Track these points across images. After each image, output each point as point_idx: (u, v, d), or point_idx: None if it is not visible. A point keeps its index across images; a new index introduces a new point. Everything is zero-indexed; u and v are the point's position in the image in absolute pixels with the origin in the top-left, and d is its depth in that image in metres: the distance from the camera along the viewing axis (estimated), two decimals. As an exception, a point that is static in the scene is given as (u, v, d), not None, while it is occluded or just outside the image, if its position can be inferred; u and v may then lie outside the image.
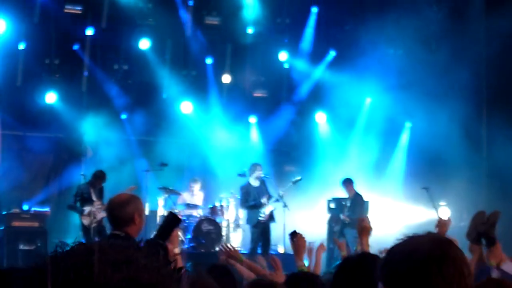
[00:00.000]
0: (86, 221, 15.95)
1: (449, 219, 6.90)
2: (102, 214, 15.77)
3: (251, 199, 16.95)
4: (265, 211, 16.90)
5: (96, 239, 15.66)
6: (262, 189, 17.09)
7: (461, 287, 2.73)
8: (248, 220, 17.13)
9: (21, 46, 18.43)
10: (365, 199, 17.96)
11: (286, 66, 20.90)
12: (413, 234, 2.87)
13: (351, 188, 17.71)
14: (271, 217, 17.07)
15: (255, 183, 17.06)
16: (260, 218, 16.87)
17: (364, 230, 6.62)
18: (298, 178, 17.48)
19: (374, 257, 3.95)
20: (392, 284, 2.79)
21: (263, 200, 16.87)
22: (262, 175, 17.12)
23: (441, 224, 6.91)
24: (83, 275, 1.20)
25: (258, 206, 16.89)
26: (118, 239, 5.79)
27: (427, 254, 2.75)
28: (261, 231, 16.89)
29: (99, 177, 16.28)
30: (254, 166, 17.18)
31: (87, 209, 15.93)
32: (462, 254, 2.81)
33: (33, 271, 1.26)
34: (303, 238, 6.62)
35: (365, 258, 3.96)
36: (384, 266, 2.83)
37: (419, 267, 2.74)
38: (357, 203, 17.67)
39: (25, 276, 1.26)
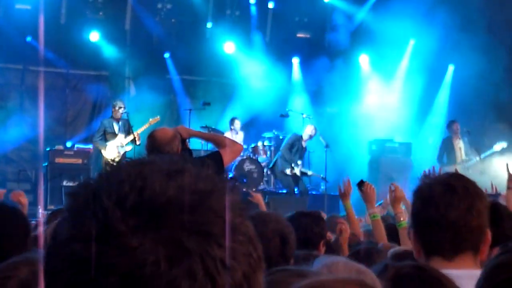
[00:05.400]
0: (109, 156, 15.69)
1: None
2: (125, 148, 15.81)
3: (294, 150, 16.91)
4: (295, 171, 16.92)
5: None
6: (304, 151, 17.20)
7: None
8: (279, 167, 17.17)
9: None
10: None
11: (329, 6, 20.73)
12: None
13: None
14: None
15: (304, 141, 17.07)
16: (286, 172, 16.89)
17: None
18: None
19: None
20: None
21: (299, 162, 16.89)
22: (314, 135, 17.07)
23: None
24: (137, 186, 1.18)
25: (291, 163, 16.87)
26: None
27: None
28: (292, 178, 16.95)
29: (119, 108, 15.92)
30: (310, 127, 17.16)
31: (110, 143, 15.72)
32: None
33: (84, 187, 1.23)
34: (372, 186, 6.44)
35: None
36: None
37: None
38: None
39: (75, 192, 1.23)
